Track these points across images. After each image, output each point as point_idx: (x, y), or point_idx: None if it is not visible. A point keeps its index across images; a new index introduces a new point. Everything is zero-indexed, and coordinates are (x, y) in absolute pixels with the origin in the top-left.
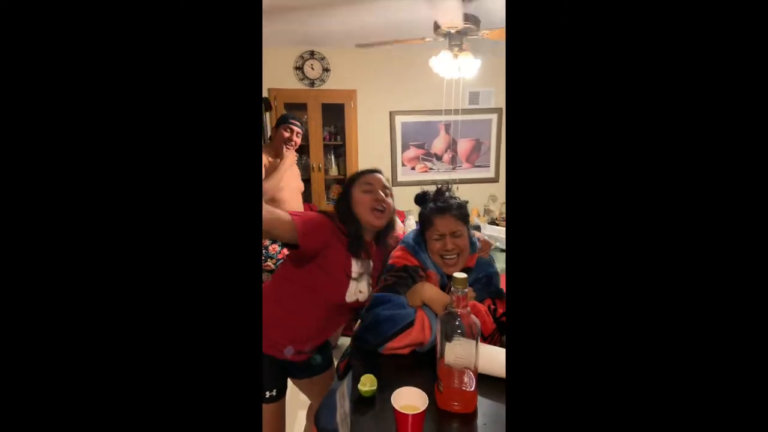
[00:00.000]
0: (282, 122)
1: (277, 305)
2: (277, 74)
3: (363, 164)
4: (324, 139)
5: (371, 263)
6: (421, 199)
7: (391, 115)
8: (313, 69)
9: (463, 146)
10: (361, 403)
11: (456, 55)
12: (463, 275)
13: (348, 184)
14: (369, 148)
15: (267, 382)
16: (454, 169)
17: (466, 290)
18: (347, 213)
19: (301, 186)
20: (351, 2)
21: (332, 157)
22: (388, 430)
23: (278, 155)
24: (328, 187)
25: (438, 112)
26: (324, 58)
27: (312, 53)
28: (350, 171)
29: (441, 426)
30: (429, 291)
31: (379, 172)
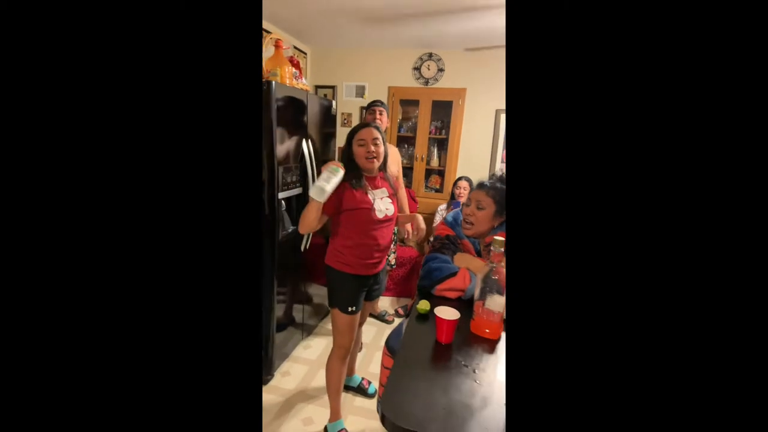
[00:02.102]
0: (368, 107)
1: (345, 240)
2: (397, 74)
3: (463, 157)
4: (430, 132)
5: (384, 190)
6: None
7: (497, 113)
8: (429, 69)
9: None
10: (418, 318)
11: None
12: (501, 238)
13: (349, 139)
14: (470, 142)
15: (354, 299)
16: None
17: (502, 249)
18: (349, 162)
19: (394, 171)
20: (465, 10)
21: (435, 149)
22: (433, 332)
23: None
24: (427, 177)
25: None
26: (440, 59)
27: (430, 55)
28: (450, 163)
29: (475, 343)
30: (473, 262)
31: (370, 125)
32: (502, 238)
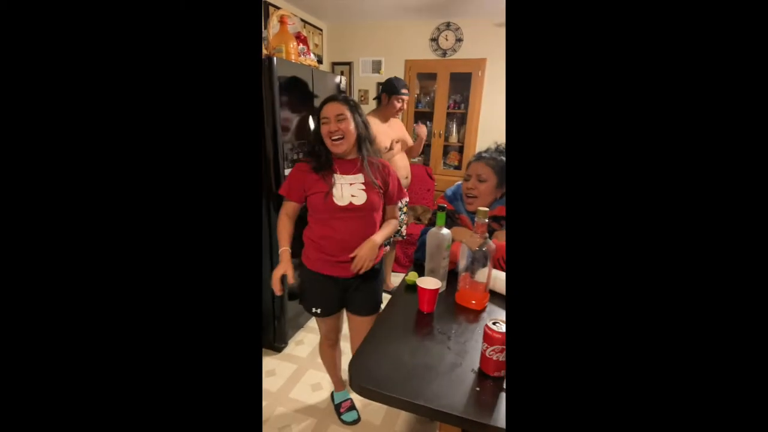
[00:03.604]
0: (394, 93)
1: (307, 231)
2: (414, 46)
3: (482, 132)
4: (448, 107)
5: (359, 177)
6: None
7: None
8: (447, 40)
9: None
10: (406, 289)
11: None
12: (485, 209)
13: (316, 117)
14: (491, 116)
15: (316, 300)
16: None
17: (486, 220)
18: (318, 144)
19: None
20: None
21: (454, 124)
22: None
23: (387, 121)
24: (445, 153)
25: None
26: (459, 28)
27: (448, 24)
28: (469, 138)
29: (458, 313)
30: (466, 235)
31: (336, 99)
32: (486, 209)
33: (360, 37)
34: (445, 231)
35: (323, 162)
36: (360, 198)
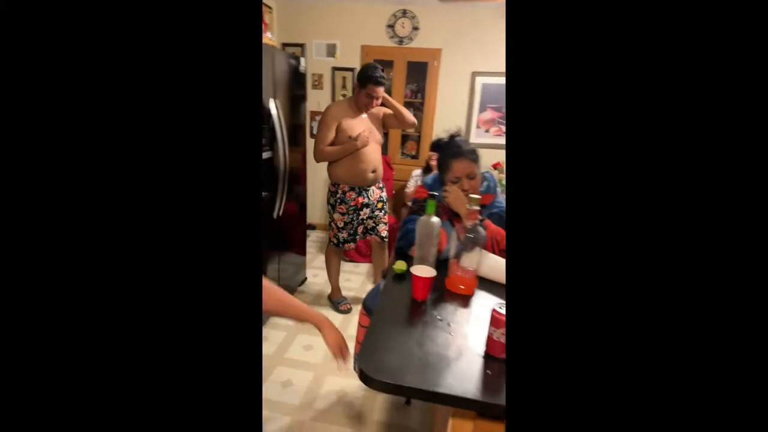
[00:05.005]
0: (369, 81)
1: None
2: (370, 32)
3: (439, 122)
4: (405, 96)
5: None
6: (436, 146)
7: (473, 75)
8: (403, 27)
9: None
10: (395, 279)
11: None
12: (476, 196)
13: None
14: (447, 107)
15: None
16: None
17: (477, 207)
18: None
19: (379, 139)
20: None
21: (411, 113)
22: (410, 291)
23: (360, 111)
24: (403, 143)
25: None
26: (415, 16)
27: (404, 12)
28: (426, 128)
29: (449, 299)
30: (460, 201)
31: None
32: (478, 196)
33: (313, 17)
34: (435, 219)
35: None
36: None
